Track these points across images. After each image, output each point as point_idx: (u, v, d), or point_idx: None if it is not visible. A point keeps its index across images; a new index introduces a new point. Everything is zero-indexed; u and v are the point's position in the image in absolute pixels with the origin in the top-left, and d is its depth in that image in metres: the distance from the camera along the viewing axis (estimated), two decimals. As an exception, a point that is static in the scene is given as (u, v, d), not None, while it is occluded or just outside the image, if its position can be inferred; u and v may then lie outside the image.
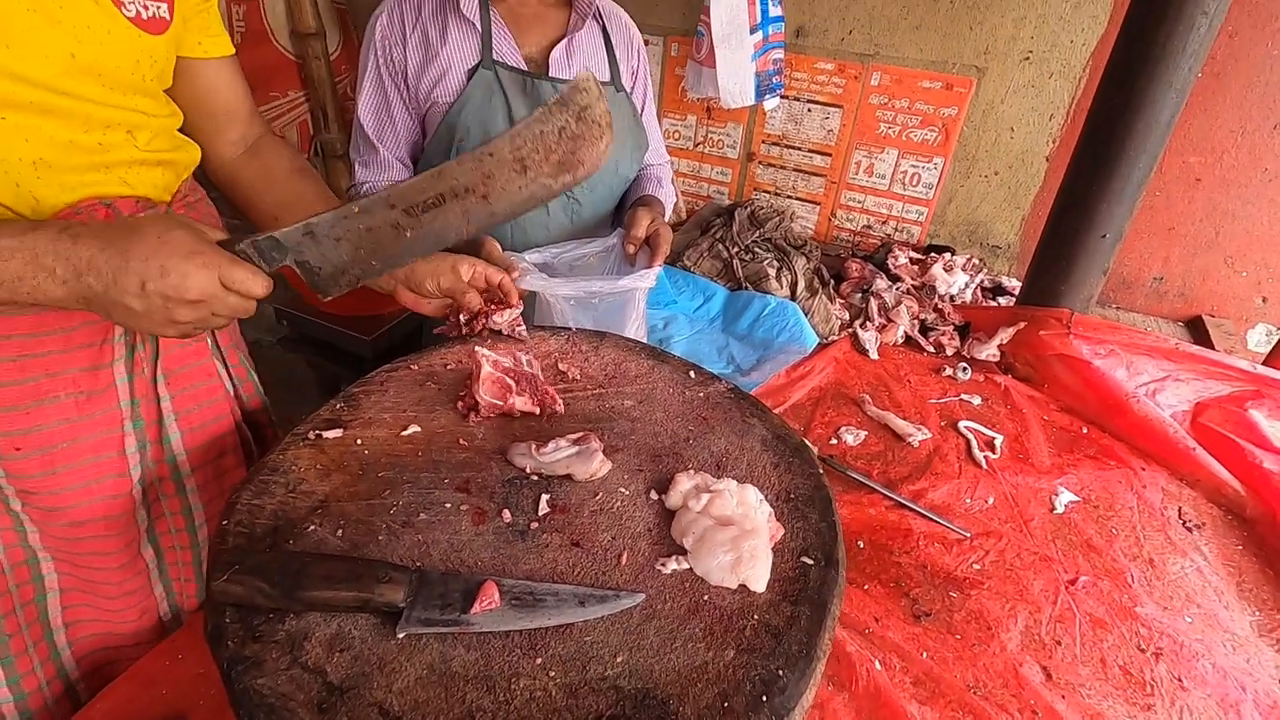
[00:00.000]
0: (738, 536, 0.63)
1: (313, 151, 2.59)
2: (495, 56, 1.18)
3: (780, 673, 0.53)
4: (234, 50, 0.95)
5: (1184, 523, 1.15)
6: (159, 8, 0.77)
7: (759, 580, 0.61)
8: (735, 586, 0.61)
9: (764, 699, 0.51)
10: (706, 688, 0.52)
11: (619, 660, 0.54)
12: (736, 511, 0.65)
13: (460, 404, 0.80)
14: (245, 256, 0.69)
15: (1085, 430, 1.35)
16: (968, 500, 1.17)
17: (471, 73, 1.18)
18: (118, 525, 0.86)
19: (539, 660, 0.54)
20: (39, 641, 0.87)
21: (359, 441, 0.76)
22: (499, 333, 0.95)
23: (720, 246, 1.74)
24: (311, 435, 0.76)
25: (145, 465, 0.87)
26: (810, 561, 0.64)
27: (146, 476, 0.88)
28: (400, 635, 0.55)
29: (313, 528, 0.65)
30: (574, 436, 0.75)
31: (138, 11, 0.75)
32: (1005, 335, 1.49)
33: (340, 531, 0.65)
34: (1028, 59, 1.68)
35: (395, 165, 1.25)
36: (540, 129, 0.74)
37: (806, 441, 0.80)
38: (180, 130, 0.88)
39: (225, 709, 0.74)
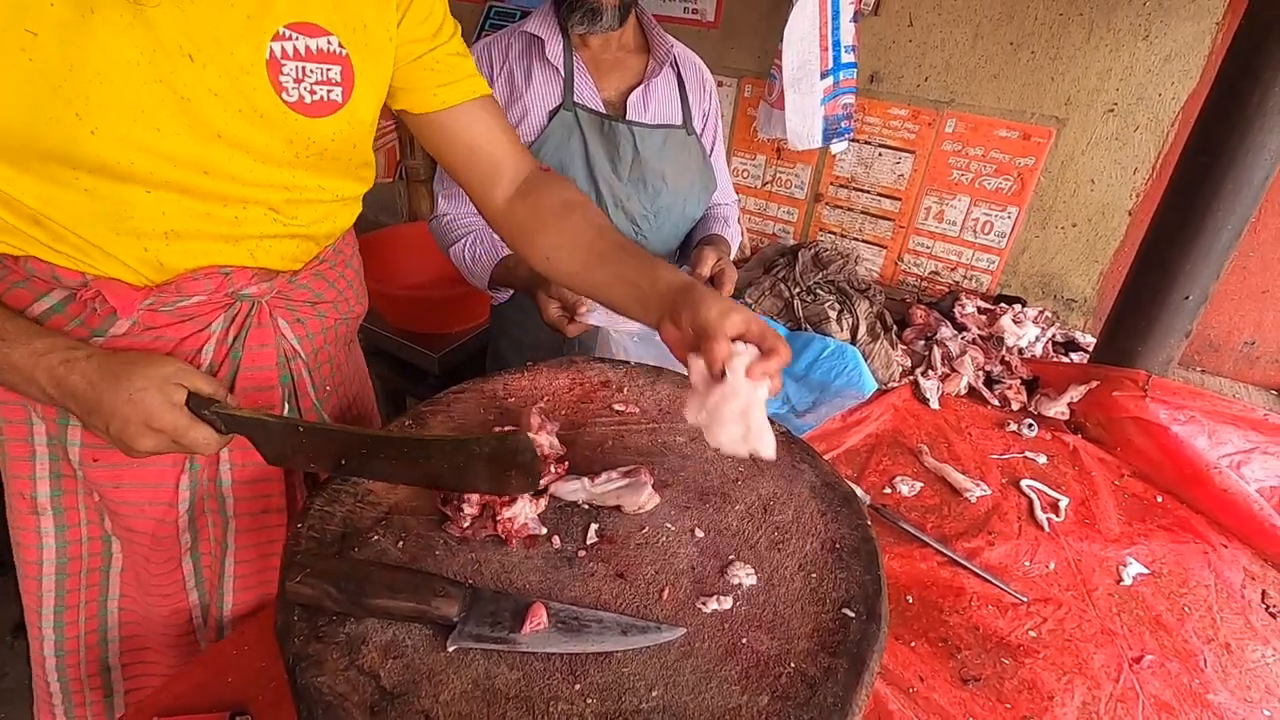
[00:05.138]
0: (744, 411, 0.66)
1: (398, 176, 2.76)
2: (576, 99, 1.25)
3: (813, 724, 0.53)
4: (485, 91, 0.87)
5: (1267, 607, 1.07)
6: (330, 91, 0.74)
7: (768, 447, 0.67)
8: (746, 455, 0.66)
9: (795, 749, 0.52)
10: (739, 731, 0.53)
11: (654, 694, 0.56)
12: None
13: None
14: (206, 420, 0.72)
15: (1160, 499, 1.28)
16: (1026, 563, 1.12)
17: (552, 114, 1.24)
18: (162, 544, 0.92)
19: (578, 686, 0.56)
20: (92, 601, 0.96)
21: (424, 459, 0.81)
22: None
23: (782, 286, 1.74)
24: (381, 449, 0.81)
25: (194, 500, 0.90)
26: (851, 614, 0.64)
27: (195, 509, 0.91)
28: (450, 648, 0.58)
29: (376, 537, 0.69)
30: (625, 469, 0.77)
31: (300, 96, 0.72)
32: (1076, 393, 1.43)
33: (401, 544, 0.69)
34: (1112, 111, 1.64)
35: (474, 199, 1.32)
36: (474, 446, 0.70)
37: (856, 490, 0.80)
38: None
39: (282, 702, 0.79)
